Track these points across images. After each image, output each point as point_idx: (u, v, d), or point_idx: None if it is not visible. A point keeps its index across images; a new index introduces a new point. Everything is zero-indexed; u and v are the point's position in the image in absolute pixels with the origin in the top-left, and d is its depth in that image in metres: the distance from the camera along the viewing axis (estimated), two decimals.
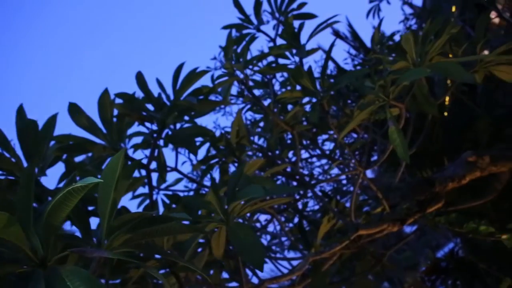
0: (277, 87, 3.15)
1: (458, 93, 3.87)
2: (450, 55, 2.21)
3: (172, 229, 1.06)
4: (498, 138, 2.91)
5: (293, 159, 2.95)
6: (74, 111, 1.55)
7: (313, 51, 2.12)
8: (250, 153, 2.79)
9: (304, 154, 3.33)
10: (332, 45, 1.77)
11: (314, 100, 1.91)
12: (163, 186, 2.71)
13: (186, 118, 2.21)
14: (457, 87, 4.29)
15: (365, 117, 1.65)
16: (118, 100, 1.86)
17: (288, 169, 2.57)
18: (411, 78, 1.33)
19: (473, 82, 1.61)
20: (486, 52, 3.42)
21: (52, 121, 1.49)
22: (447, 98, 4.50)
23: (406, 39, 1.41)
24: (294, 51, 2.11)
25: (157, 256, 1.38)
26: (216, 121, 5.46)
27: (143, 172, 2.26)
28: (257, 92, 4.01)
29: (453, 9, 6.40)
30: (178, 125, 2.22)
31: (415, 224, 2.82)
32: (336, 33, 3.42)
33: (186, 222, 1.36)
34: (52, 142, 1.62)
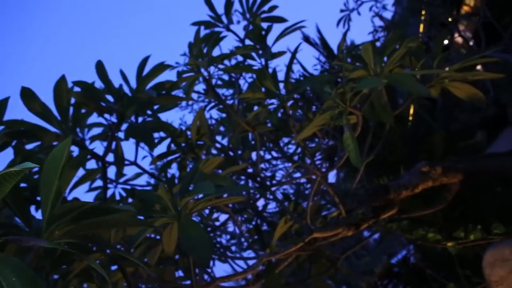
0: (247, 88, 3.16)
1: (418, 107, 4.02)
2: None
3: (118, 221, 1.04)
4: (451, 151, 3.05)
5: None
6: (27, 96, 1.49)
7: (279, 54, 2.14)
8: (215, 151, 2.79)
9: (268, 156, 3.36)
10: (296, 49, 1.80)
11: (277, 102, 1.93)
12: (122, 179, 2.66)
13: (149, 112, 2.18)
14: (419, 101, 4.46)
15: (324, 122, 1.69)
16: (77, 89, 1.81)
17: (251, 170, 2.58)
18: (366, 86, 1.38)
19: (427, 95, 1.68)
20: (447, 69, 3.57)
21: (2, 105, 1.43)
22: (411, 111, 4.67)
23: (365, 49, 1.45)
24: (261, 52, 2.13)
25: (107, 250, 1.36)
26: (182, 118, 5.40)
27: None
28: (226, 92, 4.01)
29: (421, 27, 6.67)
30: (140, 119, 2.19)
31: (370, 230, 2.91)
32: (306, 39, 3.48)
33: (141, 217, 1.34)
34: (2, 127, 1.55)
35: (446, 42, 6.55)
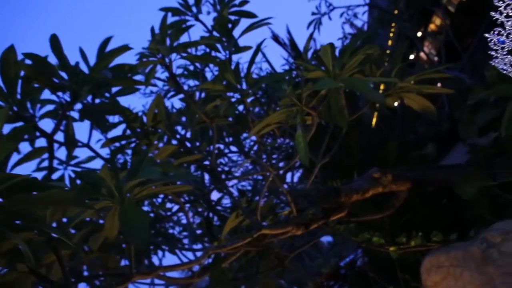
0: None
1: (378, 115, 4.15)
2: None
3: (53, 198, 1.00)
4: (403, 160, 3.17)
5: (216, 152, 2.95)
6: None
7: (245, 48, 2.14)
8: (175, 142, 2.75)
9: (228, 150, 3.35)
10: (260, 44, 1.81)
11: (237, 96, 1.93)
12: (74, 162, 2.57)
13: (108, 95, 2.12)
14: (381, 110, 4.60)
15: (280, 119, 1.71)
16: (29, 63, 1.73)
17: (208, 163, 2.57)
18: (322, 87, 1.40)
19: (382, 102, 1.74)
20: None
21: None
22: (374, 120, 4.81)
23: (324, 51, 1.48)
24: (226, 45, 2.12)
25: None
26: (145, 105, 5.28)
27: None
28: (192, 82, 3.95)
29: (389, 39, 6.89)
30: (99, 102, 2.12)
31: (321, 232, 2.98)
32: (276, 38, 3.51)
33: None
34: None
35: (412, 57, 6.81)
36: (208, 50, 2.58)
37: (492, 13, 0.80)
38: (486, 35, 0.80)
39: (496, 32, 0.77)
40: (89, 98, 2.06)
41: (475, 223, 2.60)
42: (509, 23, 0.75)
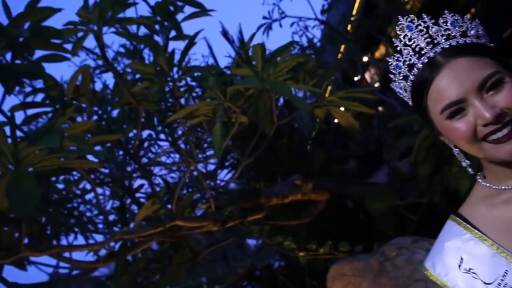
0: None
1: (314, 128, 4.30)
2: None
3: None
4: (326, 173, 3.31)
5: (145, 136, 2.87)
6: None
7: (185, 37, 2.11)
8: (104, 122, 2.63)
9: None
10: (197, 33, 1.80)
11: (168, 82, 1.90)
12: None
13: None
14: (319, 124, 4.74)
15: (205, 111, 1.70)
16: None
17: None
18: (244, 85, 1.43)
19: (308, 110, 1.81)
20: None
21: None
22: (313, 132, 4.96)
23: (255, 50, 1.51)
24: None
25: None
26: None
27: None
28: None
29: (339, 55, 7.18)
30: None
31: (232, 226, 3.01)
32: (225, 33, 3.51)
33: None
34: None
35: (356, 79, 7.15)
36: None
37: (394, 40, 0.86)
38: (388, 58, 0.85)
39: (396, 58, 0.83)
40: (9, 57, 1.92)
41: (381, 238, 2.77)
42: (406, 51, 0.81)
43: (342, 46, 6.27)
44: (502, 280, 0.75)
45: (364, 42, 5.56)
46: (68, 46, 1.99)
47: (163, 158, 3.30)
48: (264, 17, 4.52)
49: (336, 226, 3.29)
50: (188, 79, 2.29)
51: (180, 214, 2.30)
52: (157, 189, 2.81)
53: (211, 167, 4.24)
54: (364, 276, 2.43)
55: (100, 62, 3.47)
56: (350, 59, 5.31)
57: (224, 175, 4.00)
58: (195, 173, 2.62)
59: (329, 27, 5.19)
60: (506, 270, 0.75)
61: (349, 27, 5.33)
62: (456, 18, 0.78)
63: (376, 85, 7.66)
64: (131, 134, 2.45)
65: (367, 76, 7.46)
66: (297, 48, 4.72)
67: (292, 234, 2.91)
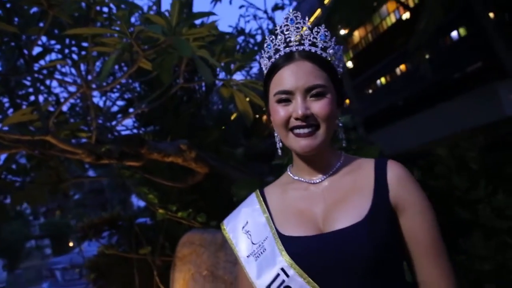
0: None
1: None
2: None
3: None
4: (218, 151, 3.48)
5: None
6: None
7: None
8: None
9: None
10: None
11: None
12: None
13: None
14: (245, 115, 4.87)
15: (114, 43, 1.72)
16: None
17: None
18: (149, 30, 1.49)
19: (208, 79, 1.90)
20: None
21: None
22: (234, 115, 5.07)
23: (173, 4, 1.58)
24: None
25: None
26: None
27: None
28: None
29: None
30: None
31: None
32: None
33: None
34: None
35: None
36: None
37: (277, 24, 1.00)
38: (266, 36, 1.00)
39: (271, 39, 0.98)
40: None
41: None
42: (280, 37, 0.96)
43: None
44: (262, 243, 0.96)
45: None
46: None
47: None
48: None
49: (207, 201, 3.48)
50: (114, 8, 2.26)
51: (56, 133, 2.26)
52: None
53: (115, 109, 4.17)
54: (207, 248, 2.63)
55: None
56: None
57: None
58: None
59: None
60: (267, 236, 0.96)
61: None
62: (327, 34, 0.93)
63: None
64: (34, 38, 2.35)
65: None
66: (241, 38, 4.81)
67: (161, 192, 3.01)
